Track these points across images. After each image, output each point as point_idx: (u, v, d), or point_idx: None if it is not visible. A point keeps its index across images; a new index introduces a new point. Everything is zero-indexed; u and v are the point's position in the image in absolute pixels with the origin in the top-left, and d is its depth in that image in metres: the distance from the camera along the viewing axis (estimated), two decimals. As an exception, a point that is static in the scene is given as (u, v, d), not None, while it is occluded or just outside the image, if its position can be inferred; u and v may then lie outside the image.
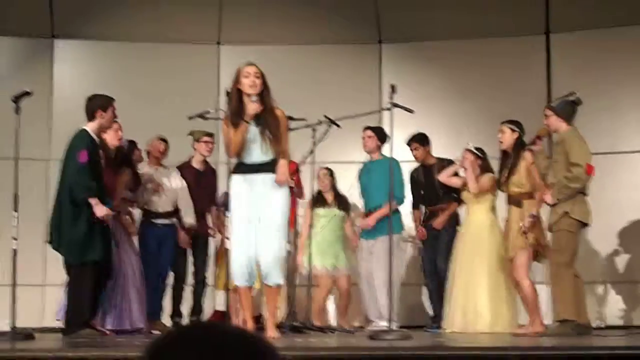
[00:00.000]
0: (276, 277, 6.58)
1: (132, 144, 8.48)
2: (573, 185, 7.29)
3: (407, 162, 9.04)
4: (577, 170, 7.27)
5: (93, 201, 7.16)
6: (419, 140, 9.10)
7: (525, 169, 7.71)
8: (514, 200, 7.80)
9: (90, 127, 7.37)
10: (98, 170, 7.36)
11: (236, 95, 6.51)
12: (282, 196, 6.56)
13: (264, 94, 6.53)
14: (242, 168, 6.61)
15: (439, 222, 8.86)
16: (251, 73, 6.49)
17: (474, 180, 8.34)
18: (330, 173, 9.12)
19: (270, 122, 6.51)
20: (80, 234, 7.14)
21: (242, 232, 6.54)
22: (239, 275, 6.60)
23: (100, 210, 7.15)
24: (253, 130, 6.51)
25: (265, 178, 6.53)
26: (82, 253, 7.16)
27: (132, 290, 8.18)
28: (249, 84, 6.46)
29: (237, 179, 6.62)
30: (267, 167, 6.54)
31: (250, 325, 6.68)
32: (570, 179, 7.27)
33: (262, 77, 6.55)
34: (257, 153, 6.53)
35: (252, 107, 6.45)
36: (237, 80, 6.52)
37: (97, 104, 7.39)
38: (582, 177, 7.29)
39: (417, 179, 9.14)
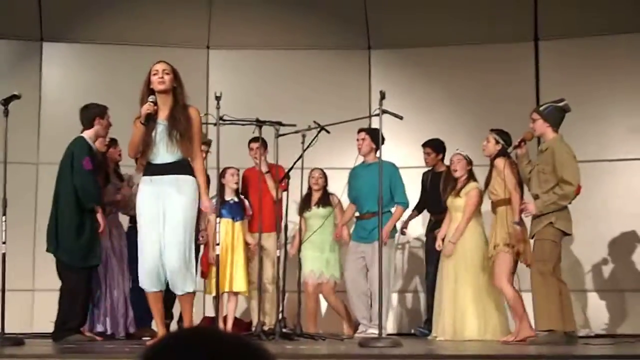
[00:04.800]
0: (184, 286, 6.36)
1: (112, 141, 8.45)
2: (562, 202, 7.33)
3: (401, 168, 9.03)
4: (568, 188, 7.29)
5: (99, 211, 7.43)
6: (433, 146, 9.14)
7: (497, 175, 7.74)
8: (493, 207, 7.86)
9: (87, 135, 7.56)
10: (97, 177, 7.57)
11: (147, 94, 6.39)
12: (187, 199, 6.31)
13: (176, 92, 6.39)
14: (150, 169, 6.40)
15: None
16: (159, 70, 6.38)
17: (466, 217, 8.30)
18: (324, 175, 9.13)
19: (179, 120, 6.31)
20: (85, 239, 7.31)
21: (148, 237, 6.32)
22: (146, 281, 6.37)
23: (102, 221, 7.47)
24: (160, 129, 6.31)
25: (172, 179, 6.30)
26: (86, 258, 7.33)
27: (117, 296, 8.14)
28: (157, 82, 6.36)
29: (144, 180, 6.42)
30: (174, 167, 6.31)
31: (161, 331, 6.56)
32: (560, 196, 7.30)
33: (172, 73, 6.41)
34: (163, 153, 6.31)
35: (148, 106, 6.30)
36: (147, 79, 6.42)
37: (96, 112, 7.61)
38: (571, 197, 7.34)
39: (425, 183, 9.16)
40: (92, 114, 7.59)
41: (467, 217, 8.24)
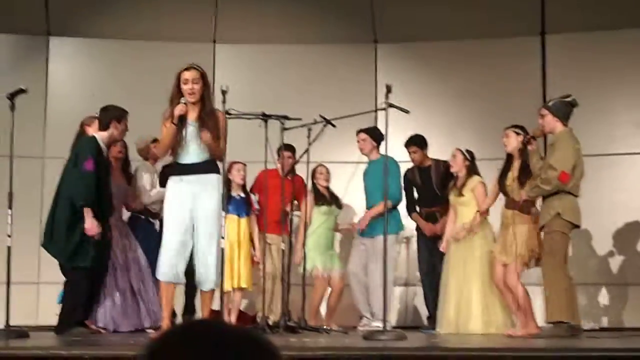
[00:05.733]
0: (211, 282, 6.63)
1: None
2: (543, 186, 7.30)
3: (400, 162, 9.02)
4: (551, 173, 7.27)
5: (87, 213, 7.23)
6: (418, 143, 9.07)
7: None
8: (519, 205, 7.73)
9: (101, 136, 7.47)
10: (102, 179, 7.43)
11: (177, 99, 6.58)
12: (216, 199, 6.56)
13: (204, 97, 6.60)
14: (178, 168, 6.65)
15: (438, 227, 8.81)
16: (189, 79, 6.56)
17: (482, 209, 8.28)
18: (328, 170, 9.14)
19: (208, 122, 6.53)
20: (75, 239, 7.21)
21: (175, 233, 6.56)
22: (165, 272, 6.61)
23: (90, 223, 7.22)
24: (190, 130, 6.54)
25: (201, 179, 6.56)
26: (73, 259, 7.25)
27: (118, 291, 8.14)
28: (187, 91, 6.54)
29: (174, 179, 6.67)
30: (203, 167, 6.58)
31: (166, 324, 6.70)
32: (542, 179, 7.30)
33: (202, 79, 6.61)
34: (193, 152, 6.56)
35: (181, 108, 6.50)
36: (177, 85, 6.59)
37: (113, 115, 7.54)
38: (553, 182, 7.26)
39: (413, 180, 9.11)
40: (109, 116, 7.52)
41: (483, 209, 8.22)
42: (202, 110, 6.58)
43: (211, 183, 6.58)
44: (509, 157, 7.88)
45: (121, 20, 10.40)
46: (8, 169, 6.97)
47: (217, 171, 6.68)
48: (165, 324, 6.75)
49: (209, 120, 6.56)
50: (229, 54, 10.56)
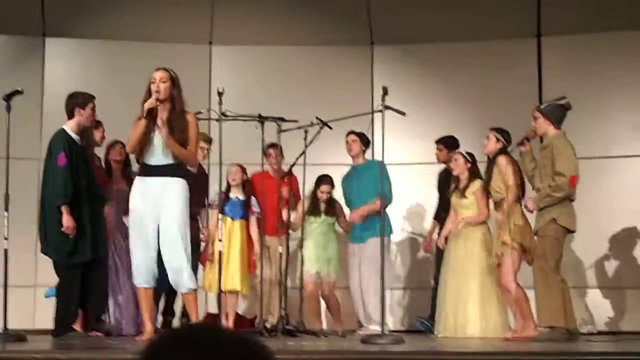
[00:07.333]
0: (187, 284, 6.64)
1: (112, 144, 8.40)
2: (555, 194, 7.31)
3: (397, 164, 9.05)
4: (560, 180, 7.29)
5: (64, 209, 7.02)
6: (445, 143, 9.12)
7: (499, 173, 7.73)
8: (495, 206, 7.85)
9: (69, 126, 7.23)
10: (80, 169, 7.21)
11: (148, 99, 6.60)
12: (178, 199, 6.56)
13: (173, 98, 6.58)
14: (144, 170, 6.66)
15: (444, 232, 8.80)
16: (157, 79, 6.59)
17: (483, 213, 8.31)
18: (332, 185, 9.04)
19: (176, 125, 6.53)
20: (67, 236, 7.09)
21: (139, 236, 6.60)
22: (138, 276, 6.69)
23: (67, 220, 6.99)
24: (157, 133, 6.54)
25: (164, 181, 6.56)
26: (70, 256, 7.15)
27: (121, 292, 8.14)
28: (154, 90, 6.56)
29: (138, 180, 6.70)
30: (166, 170, 6.56)
31: (148, 328, 6.75)
32: (553, 188, 7.30)
33: (170, 81, 6.60)
34: (158, 155, 6.56)
35: (154, 105, 6.54)
36: (149, 87, 6.63)
37: (75, 102, 7.28)
38: (565, 188, 7.29)
39: (440, 181, 9.15)
40: (72, 103, 7.27)
41: (484, 213, 8.25)
42: (170, 114, 6.56)
43: (175, 187, 6.56)
44: (489, 160, 7.91)
45: (117, 21, 10.38)
46: (4, 170, 6.96)
47: (182, 175, 6.64)
48: (147, 327, 6.78)
49: (177, 123, 6.54)
50: (226, 56, 10.55)
